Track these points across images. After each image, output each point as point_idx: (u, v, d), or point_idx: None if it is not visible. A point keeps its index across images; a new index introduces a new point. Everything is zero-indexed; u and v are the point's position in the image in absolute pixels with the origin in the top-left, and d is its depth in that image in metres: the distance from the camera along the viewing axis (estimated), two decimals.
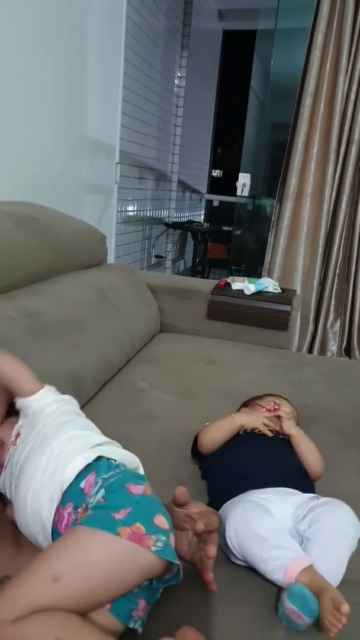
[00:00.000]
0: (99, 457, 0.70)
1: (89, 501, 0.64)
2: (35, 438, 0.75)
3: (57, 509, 0.67)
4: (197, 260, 4.17)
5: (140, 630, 0.61)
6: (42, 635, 0.53)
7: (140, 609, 0.62)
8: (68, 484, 0.67)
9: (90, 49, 2.16)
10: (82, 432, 0.76)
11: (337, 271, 2.70)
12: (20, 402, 0.80)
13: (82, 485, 0.67)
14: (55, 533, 0.66)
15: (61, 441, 0.72)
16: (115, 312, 1.56)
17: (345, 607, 0.64)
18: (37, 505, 0.68)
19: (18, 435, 0.80)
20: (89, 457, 0.69)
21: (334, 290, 2.72)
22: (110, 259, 2.45)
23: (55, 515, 0.66)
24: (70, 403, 0.84)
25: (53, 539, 0.67)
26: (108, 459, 0.71)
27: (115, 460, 0.71)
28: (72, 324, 1.29)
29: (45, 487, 0.69)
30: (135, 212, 3.18)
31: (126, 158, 2.77)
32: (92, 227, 1.85)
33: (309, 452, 0.96)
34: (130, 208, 3.07)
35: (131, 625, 0.61)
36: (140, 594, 0.62)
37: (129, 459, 0.74)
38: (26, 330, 1.13)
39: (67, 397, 0.84)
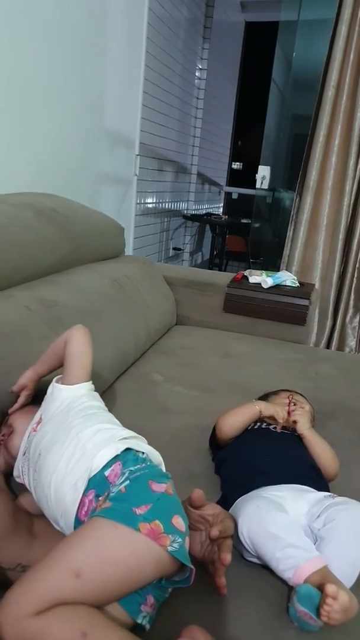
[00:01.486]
0: (127, 449, 0.71)
1: (111, 490, 0.65)
2: (59, 426, 0.77)
3: (78, 498, 0.67)
4: (215, 253, 4.15)
5: (148, 627, 0.61)
6: (67, 630, 0.53)
7: (149, 604, 0.62)
8: (96, 471, 0.68)
9: (111, 41, 2.15)
10: (108, 425, 0.77)
11: (357, 265, 2.65)
12: (58, 385, 0.83)
13: (106, 473, 0.68)
14: (77, 520, 0.67)
15: (88, 432, 0.74)
16: (132, 303, 1.56)
17: (332, 589, 0.61)
18: (60, 491, 0.69)
19: (39, 421, 0.81)
20: (118, 447, 0.70)
21: (353, 285, 2.68)
22: (129, 250, 2.45)
23: (79, 501, 0.67)
24: (98, 398, 0.86)
25: (74, 525, 0.67)
26: (136, 451, 0.71)
27: (143, 454, 0.72)
28: (88, 314, 1.29)
29: (70, 474, 0.69)
30: (154, 204, 3.17)
31: (146, 150, 2.76)
32: (111, 219, 1.85)
33: (322, 453, 0.95)
34: (149, 200, 3.06)
35: (139, 621, 0.61)
36: (149, 590, 0.62)
37: (154, 455, 0.75)
38: (43, 320, 1.13)
39: (96, 393, 0.87)
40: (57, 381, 0.86)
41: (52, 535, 0.72)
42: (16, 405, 0.89)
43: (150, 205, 3.10)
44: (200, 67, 3.69)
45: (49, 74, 1.74)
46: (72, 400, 0.81)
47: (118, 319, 1.43)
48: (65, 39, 1.81)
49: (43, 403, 0.85)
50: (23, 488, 0.81)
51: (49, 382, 0.88)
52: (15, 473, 0.83)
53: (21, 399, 0.89)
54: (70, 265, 1.49)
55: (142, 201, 2.93)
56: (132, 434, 0.77)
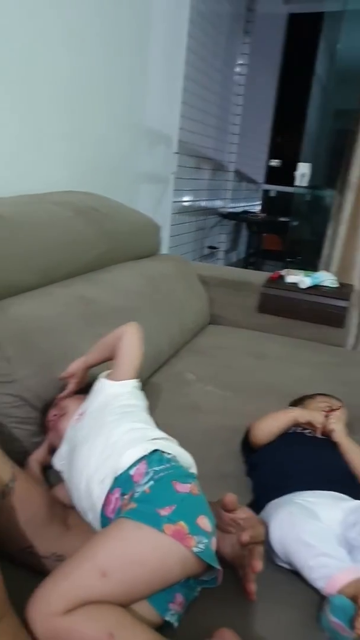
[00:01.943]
0: (154, 450, 0.71)
1: (136, 490, 0.66)
2: (95, 421, 0.79)
3: (105, 494, 0.69)
4: (251, 252, 4.11)
5: (176, 624, 0.62)
6: (94, 629, 0.54)
7: (177, 603, 0.62)
8: (122, 470, 0.69)
9: (152, 38, 2.16)
10: (141, 425, 0.78)
11: None
12: (104, 380, 0.86)
13: (132, 472, 0.68)
14: (103, 516, 0.68)
15: (120, 430, 0.75)
16: (166, 302, 1.57)
17: None
18: (89, 486, 0.71)
19: (82, 413, 0.84)
20: (146, 448, 0.71)
21: None
22: (164, 249, 2.46)
23: (103, 499, 0.69)
24: (139, 397, 0.87)
25: (100, 520, 0.69)
26: (162, 452, 0.72)
27: (169, 454, 0.72)
28: (124, 312, 1.31)
29: (99, 471, 0.71)
30: (190, 202, 3.17)
31: (184, 148, 2.76)
32: (148, 218, 1.86)
33: (358, 460, 0.93)
34: (185, 198, 3.06)
35: (167, 618, 0.61)
36: (177, 589, 0.62)
37: (183, 457, 0.75)
38: (81, 317, 1.16)
39: (140, 392, 0.88)
40: (105, 376, 0.88)
41: (86, 527, 0.74)
42: (65, 392, 0.92)
43: (186, 204, 3.10)
44: (241, 62, 3.66)
45: (91, 72, 1.76)
46: (114, 396, 0.83)
47: (152, 317, 1.44)
48: (108, 37, 1.82)
49: (89, 395, 0.88)
50: (60, 479, 0.84)
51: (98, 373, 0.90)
52: (56, 458, 0.85)
53: (70, 387, 0.93)
54: (107, 264, 1.51)
55: (179, 199, 2.93)
56: (164, 435, 0.77)
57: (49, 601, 0.55)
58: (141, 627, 0.57)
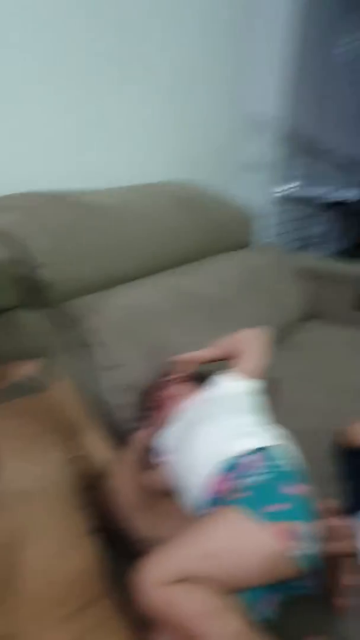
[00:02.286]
0: (272, 446, 0.72)
1: (247, 480, 0.66)
2: (222, 407, 0.82)
3: (216, 474, 0.70)
4: (354, 243, 3.90)
5: (266, 623, 0.61)
6: (193, 604, 0.56)
7: (270, 601, 0.61)
8: (237, 455, 0.70)
9: (254, 16, 2.10)
10: (264, 420, 0.80)
11: None
12: (232, 375, 0.88)
13: (246, 461, 0.69)
14: (206, 496, 0.70)
15: (244, 421, 0.78)
16: (262, 294, 1.54)
17: None
18: (202, 464, 0.73)
19: (203, 399, 0.86)
20: (265, 442, 0.72)
21: None
22: (262, 239, 2.41)
23: (213, 478, 0.70)
24: (262, 398, 0.89)
25: (201, 499, 0.70)
26: (279, 450, 0.72)
27: (285, 453, 0.72)
28: (218, 304, 1.31)
29: (215, 451, 0.73)
30: (292, 191, 3.07)
31: (288, 133, 2.67)
32: (245, 207, 1.84)
33: None
34: (287, 186, 2.97)
35: (258, 616, 0.61)
36: (272, 588, 0.61)
37: (297, 458, 0.74)
38: (177, 307, 1.17)
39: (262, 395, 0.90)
40: (229, 373, 0.90)
41: (179, 514, 0.75)
42: (178, 376, 0.95)
43: (288, 192, 3.01)
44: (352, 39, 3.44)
45: (191, 58, 1.75)
46: (241, 391, 0.85)
47: (248, 309, 1.42)
48: (207, 18, 1.80)
49: (209, 385, 0.90)
50: (156, 463, 0.86)
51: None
52: (162, 437, 0.87)
53: (183, 372, 0.95)
54: (204, 254, 1.52)
55: (280, 188, 2.85)
56: (282, 433, 0.78)
57: (162, 571, 0.58)
58: (236, 613, 0.57)
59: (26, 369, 0.70)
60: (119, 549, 0.72)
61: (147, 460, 0.91)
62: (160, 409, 0.93)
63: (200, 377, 0.98)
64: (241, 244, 1.79)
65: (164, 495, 0.82)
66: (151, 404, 0.95)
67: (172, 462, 0.81)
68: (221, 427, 0.76)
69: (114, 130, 1.47)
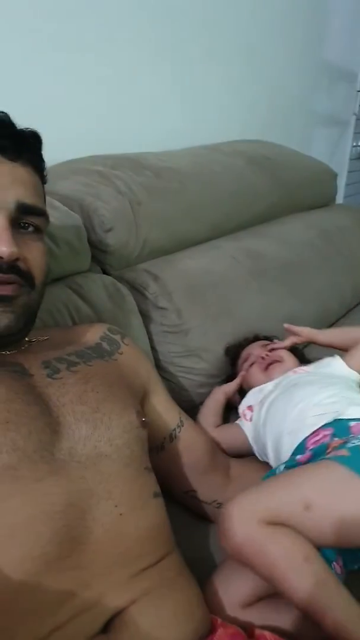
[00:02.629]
0: None
1: (351, 440, 0.63)
2: (329, 380, 0.80)
3: (323, 428, 0.69)
4: None
5: None
6: (291, 548, 0.54)
7: (338, 566, 0.60)
8: (345, 417, 0.69)
9: None
10: None
11: None
12: (340, 360, 0.86)
13: (352, 425, 0.67)
14: (302, 443, 0.69)
15: (353, 395, 0.76)
16: (339, 257, 1.45)
17: None
18: (304, 412, 0.72)
19: (304, 370, 0.86)
20: None
21: None
22: (340, 198, 2.28)
23: (319, 431, 0.69)
24: None
25: (295, 447, 0.70)
26: None
27: None
28: (293, 267, 1.25)
29: (321, 406, 0.72)
30: None
31: None
32: (323, 165, 1.73)
33: None
34: None
35: None
36: (345, 552, 0.60)
37: None
38: (248, 271, 1.14)
39: None
40: (341, 359, 0.87)
41: (247, 479, 0.75)
42: (282, 343, 0.94)
43: None
44: None
45: (268, 9, 1.64)
46: (347, 374, 0.83)
47: (323, 272, 1.35)
48: None
49: (314, 364, 0.89)
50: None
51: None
52: (254, 391, 0.89)
53: (287, 342, 0.94)
54: (278, 215, 1.45)
55: (359, 144, 2.65)
56: None
57: (255, 508, 0.56)
58: (321, 565, 0.55)
59: (98, 332, 0.71)
60: (181, 512, 0.74)
61: (225, 413, 0.93)
62: (255, 368, 0.92)
63: (302, 355, 0.97)
64: (320, 203, 1.69)
65: (235, 460, 0.82)
66: (247, 361, 0.95)
67: (265, 414, 0.80)
68: (331, 393, 0.74)
69: (190, 91, 1.43)
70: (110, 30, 1.16)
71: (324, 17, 1.98)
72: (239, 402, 0.92)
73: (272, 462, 0.77)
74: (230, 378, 0.98)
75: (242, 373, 0.94)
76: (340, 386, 0.77)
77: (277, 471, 0.68)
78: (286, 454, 0.72)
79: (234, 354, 0.99)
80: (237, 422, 0.89)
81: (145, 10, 1.23)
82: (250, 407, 0.87)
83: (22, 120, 0.60)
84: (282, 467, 0.67)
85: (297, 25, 1.82)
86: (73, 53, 1.08)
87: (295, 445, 0.70)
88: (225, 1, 1.45)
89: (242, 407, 0.89)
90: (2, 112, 0.59)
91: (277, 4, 1.68)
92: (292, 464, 0.66)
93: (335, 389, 0.76)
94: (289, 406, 0.76)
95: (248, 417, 0.86)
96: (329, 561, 0.58)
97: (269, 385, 0.86)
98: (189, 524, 0.75)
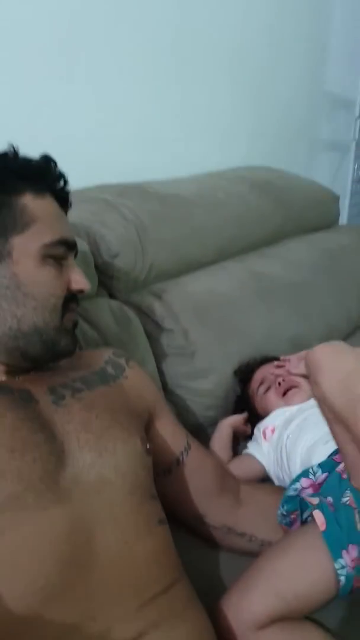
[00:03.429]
0: None
1: (342, 493, 0.63)
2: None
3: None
4: None
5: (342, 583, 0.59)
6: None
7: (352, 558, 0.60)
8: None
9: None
10: None
11: None
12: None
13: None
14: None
15: None
16: (345, 276, 1.46)
17: None
18: (309, 456, 0.73)
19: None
20: None
21: None
22: (343, 220, 2.30)
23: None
24: None
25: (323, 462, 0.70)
26: None
27: None
28: (298, 287, 1.26)
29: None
30: None
31: None
32: (325, 188, 1.76)
33: None
34: None
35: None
36: None
37: None
38: (254, 292, 1.15)
39: None
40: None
41: (256, 503, 0.75)
42: (298, 371, 0.91)
43: None
44: None
45: (270, 40, 1.70)
46: None
47: (329, 292, 1.36)
48: (288, 1, 1.74)
49: None
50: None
51: None
52: (276, 415, 0.88)
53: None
54: (282, 237, 1.47)
55: None
56: None
57: (246, 615, 0.58)
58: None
59: (103, 356, 0.71)
60: (187, 538, 0.72)
61: (234, 443, 0.91)
62: (278, 392, 0.91)
63: None
64: (323, 226, 1.71)
65: (244, 484, 0.81)
66: (265, 383, 0.94)
67: (297, 428, 0.80)
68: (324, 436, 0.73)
69: (193, 119, 1.47)
70: (115, 58, 1.20)
71: (324, 48, 2.05)
72: (250, 431, 0.92)
73: (294, 474, 0.76)
74: (239, 398, 0.98)
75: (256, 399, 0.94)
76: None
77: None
78: (317, 462, 0.71)
79: (244, 376, 0.99)
80: (247, 450, 0.88)
81: (150, 37, 1.28)
82: (272, 429, 0.86)
83: (31, 153, 0.63)
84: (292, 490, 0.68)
85: (299, 55, 1.89)
86: (76, 84, 1.13)
87: (329, 453, 0.70)
88: (229, 33, 1.52)
89: (264, 426, 0.88)
90: (62, 173, 0.66)
91: (279, 37, 1.74)
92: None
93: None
94: (298, 449, 0.76)
95: (268, 438, 0.86)
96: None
97: (293, 408, 0.86)
98: (197, 551, 0.73)
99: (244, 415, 0.94)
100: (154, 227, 1.06)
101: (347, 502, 0.62)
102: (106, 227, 0.97)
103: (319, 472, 0.70)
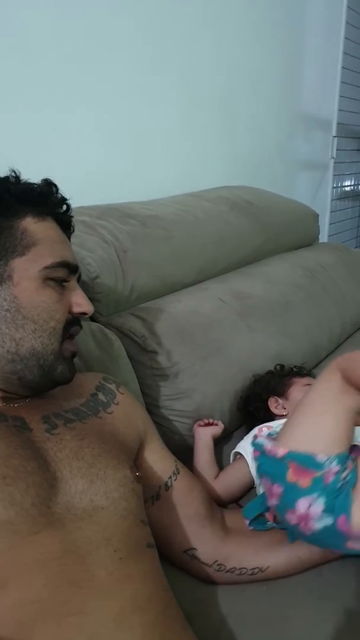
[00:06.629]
0: None
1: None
2: None
3: None
4: None
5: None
6: None
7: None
8: None
9: (306, 15, 2.06)
10: None
11: None
12: None
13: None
14: None
15: None
16: (326, 294, 1.48)
17: None
18: None
19: None
20: None
21: None
22: (323, 237, 2.34)
23: None
24: None
25: None
26: None
27: None
28: (280, 306, 1.27)
29: None
30: (352, 187, 2.96)
31: (344, 130, 2.58)
32: (305, 206, 1.79)
33: None
34: (347, 183, 2.87)
35: None
36: None
37: None
38: (235, 311, 1.15)
39: None
40: None
41: (243, 531, 0.73)
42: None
43: (348, 189, 2.91)
44: None
45: (245, 64, 1.75)
46: None
47: (311, 310, 1.37)
48: (262, 27, 1.79)
49: None
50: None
51: None
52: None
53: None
54: (263, 256, 1.49)
55: (339, 185, 2.75)
56: None
57: None
58: None
59: (94, 382, 0.71)
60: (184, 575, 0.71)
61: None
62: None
63: None
64: (303, 244, 1.74)
65: (229, 511, 0.80)
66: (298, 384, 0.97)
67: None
68: None
69: (172, 142, 1.49)
70: (98, 83, 1.22)
71: (298, 71, 2.11)
72: None
73: None
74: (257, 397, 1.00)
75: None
76: None
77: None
78: None
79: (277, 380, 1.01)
80: (237, 449, 0.90)
81: (127, 63, 1.29)
82: (269, 426, 0.88)
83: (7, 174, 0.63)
84: None
85: (274, 78, 1.93)
86: (56, 109, 1.13)
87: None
88: (204, 56, 1.55)
89: (265, 425, 0.90)
90: (63, 197, 0.67)
91: (253, 60, 1.78)
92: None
93: None
94: None
95: (263, 433, 0.86)
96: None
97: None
98: (191, 592, 0.71)
99: (222, 426, 0.95)
100: (134, 248, 1.06)
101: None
102: (85, 249, 0.97)
103: None
